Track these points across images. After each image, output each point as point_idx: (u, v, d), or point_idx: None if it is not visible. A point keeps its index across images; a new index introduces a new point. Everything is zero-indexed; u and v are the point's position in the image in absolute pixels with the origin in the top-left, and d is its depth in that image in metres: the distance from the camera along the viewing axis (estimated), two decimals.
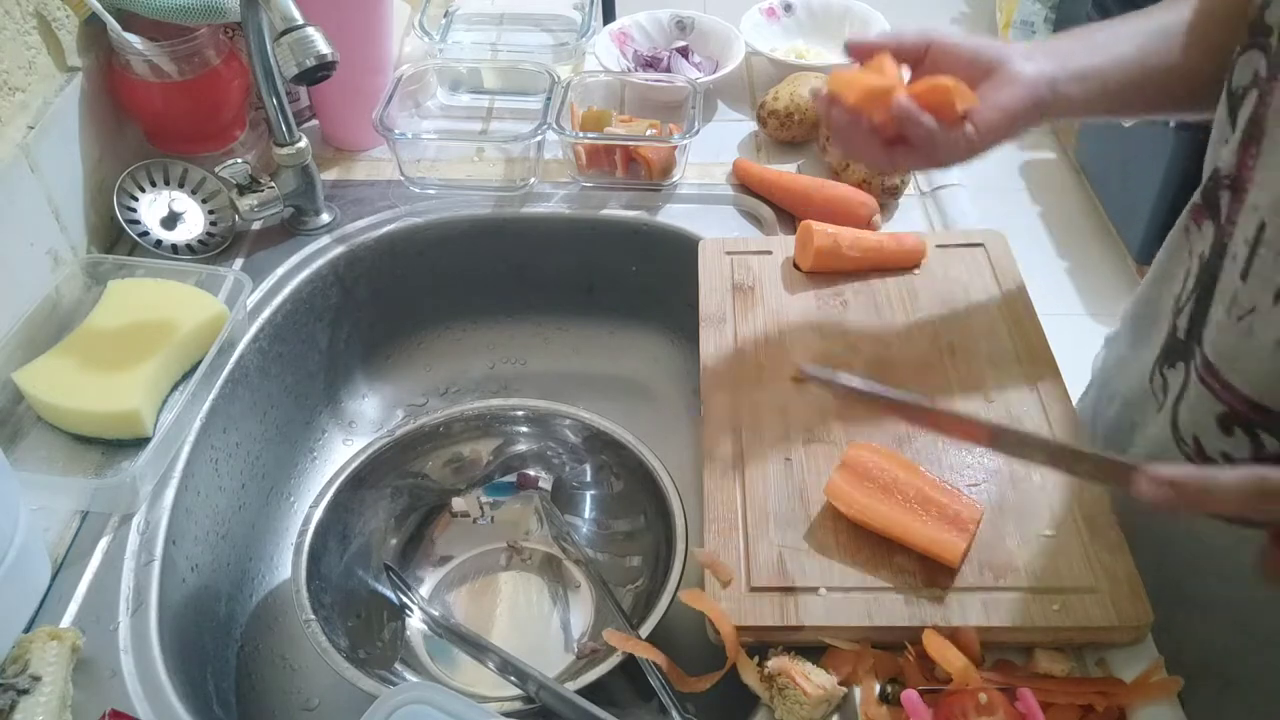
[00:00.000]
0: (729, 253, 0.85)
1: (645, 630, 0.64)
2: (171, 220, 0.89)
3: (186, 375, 0.81)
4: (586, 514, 0.82)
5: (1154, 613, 0.60)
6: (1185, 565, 0.68)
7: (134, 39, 0.86)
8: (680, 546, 0.68)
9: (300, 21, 0.73)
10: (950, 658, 0.58)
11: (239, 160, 0.89)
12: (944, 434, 0.66)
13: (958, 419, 0.59)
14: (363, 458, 0.76)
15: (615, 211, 0.97)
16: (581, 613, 0.77)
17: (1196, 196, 0.65)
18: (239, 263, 0.91)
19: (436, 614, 0.74)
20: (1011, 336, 0.77)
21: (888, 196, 0.93)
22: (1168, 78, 0.66)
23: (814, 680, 0.57)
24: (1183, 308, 0.65)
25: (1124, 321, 0.79)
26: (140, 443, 0.74)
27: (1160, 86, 0.66)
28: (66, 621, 0.65)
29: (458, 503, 0.82)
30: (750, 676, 0.59)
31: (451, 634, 0.72)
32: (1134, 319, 0.76)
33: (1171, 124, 1.95)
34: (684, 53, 1.10)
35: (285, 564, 0.74)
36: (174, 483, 0.73)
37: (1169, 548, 0.67)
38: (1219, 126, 0.62)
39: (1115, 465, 0.52)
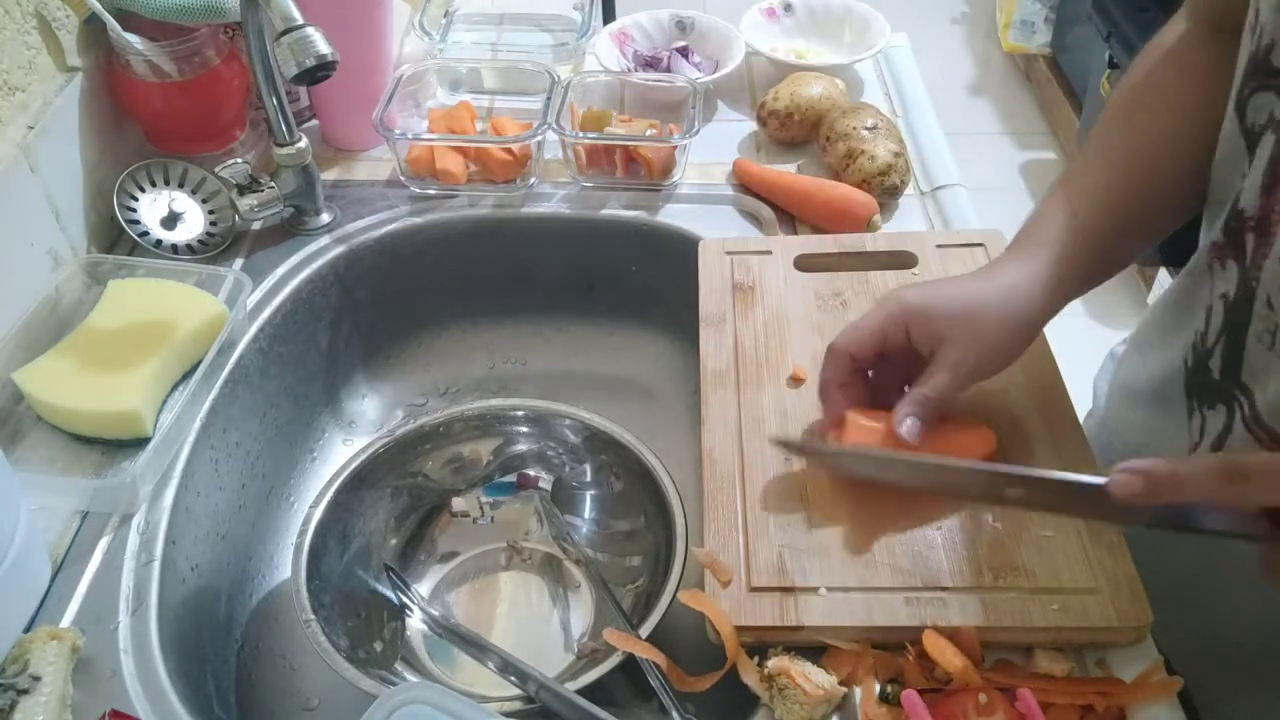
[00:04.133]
0: (729, 253, 0.85)
1: (645, 630, 0.64)
2: (171, 220, 0.89)
3: (186, 375, 0.81)
4: (586, 514, 0.82)
5: (1154, 614, 0.60)
6: (1186, 568, 0.67)
7: (134, 39, 0.86)
8: (680, 546, 0.68)
9: (300, 21, 0.73)
10: (950, 658, 0.58)
11: (239, 160, 0.89)
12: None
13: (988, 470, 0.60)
14: (363, 458, 0.76)
15: (615, 211, 0.97)
16: (581, 613, 0.77)
17: (1218, 234, 0.62)
18: (239, 263, 0.91)
19: (436, 614, 0.74)
20: None
21: (887, 196, 0.93)
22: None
23: (814, 680, 0.57)
24: (1212, 349, 0.63)
25: (1138, 349, 0.77)
26: (140, 443, 0.74)
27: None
28: (66, 621, 0.65)
29: (458, 503, 0.82)
30: (750, 676, 0.59)
31: (451, 634, 0.72)
32: (1151, 372, 0.74)
33: None
34: (684, 53, 1.10)
35: (285, 564, 0.74)
36: (174, 483, 0.74)
37: (1170, 550, 0.67)
38: (1233, 160, 0.60)
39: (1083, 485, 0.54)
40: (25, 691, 0.58)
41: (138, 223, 0.89)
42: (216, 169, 0.88)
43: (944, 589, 0.61)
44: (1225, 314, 0.61)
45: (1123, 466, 0.51)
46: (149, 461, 0.72)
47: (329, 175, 1.00)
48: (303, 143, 0.90)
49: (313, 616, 0.65)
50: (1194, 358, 0.66)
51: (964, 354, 0.64)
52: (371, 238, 0.95)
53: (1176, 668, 0.60)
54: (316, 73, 0.73)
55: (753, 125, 1.05)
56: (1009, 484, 0.58)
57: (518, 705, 0.63)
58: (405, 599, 0.75)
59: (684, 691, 0.61)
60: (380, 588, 0.76)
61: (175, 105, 0.90)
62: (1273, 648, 0.66)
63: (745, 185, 0.98)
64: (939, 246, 0.84)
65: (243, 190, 0.89)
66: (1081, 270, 0.65)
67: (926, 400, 0.63)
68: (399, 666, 0.72)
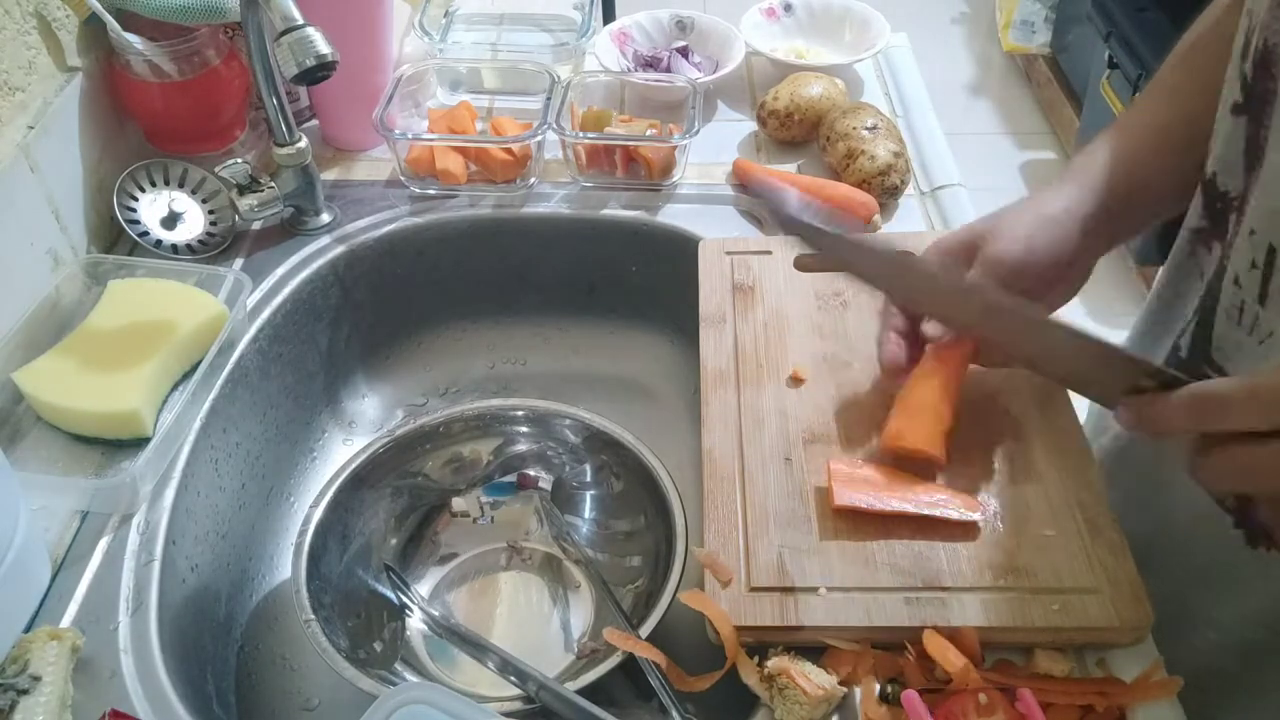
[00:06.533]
0: (729, 253, 0.85)
1: (645, 630, 0.64)
2: (171, 220, 0.89)
3: (186, 375, 0.81)
4: (586, 514, 0.82)
5: (1157, 618, 0.59)
6: (1190, 571, 0.67)
7: (134, 39, 0.86)
8: (680, 546, 0.68)
9: (300, 21, 0.73)
10: (950, 658, 0.58)
11: (239, 160, 0.89)
12: (926, 302, 0.66)
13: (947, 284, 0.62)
14: (363, 458, 0.76)
15: (615, 211, 0.97)
16: (581, 613, 0.77)
17: (1202, 220, 0.63)
18: (239, 263, 0.91)
19: (436, 614, 0.74)
20: None
21: (887, 196, 0.93)
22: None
23: (814, 680, 0.57)
24: (1186, 328, 0.64)
25: (1134, 341, 0.78)
26: (140, 443, 0.74)
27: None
28: (66, 621, 0.65)
29: (458, 503, 0.82)
30: (750, 676, 0.59)
31: (451, 634, 0.72)
32: (1141, 346, 0.75)
33: None
34: (684, 53, 1.10)
35: (285, 564, 0.74)
36: (174, 483, 0.73)
37: (1175, 553, 0.67)
38: (1228, 143, 0.60)
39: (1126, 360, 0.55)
40: (25, 691, 0.58)
41: (138, 223, 0.89)
42: (216, 169, 0.88)
43: (944, 589, 0.61)
44: (1204, 295, 0.62)
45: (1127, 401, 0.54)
46: (149, 461, 0.72)
47: (329, 175, 1.00)
48: (303, 143, 0.90)
49: (313, 616, 0.65)
50: (1182, 339, 0.66)
51: (1009, 249, 0.63)
52: (371, 238, 0.95)
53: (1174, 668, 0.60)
54: (316, 73, 0.73)
55: (753, 125, 1.05)
56: (981, 302, 0.60)
57: (518, 705, 0.63)
58: (405, 599, 0.75)
59: (684, 691, 0.61)
60: (380, 588, 0.76)
61: (175, 105, 0.90)
62: (1271, 645, 0.66)
63: (745, 185, 0.98)
64: None
65: (243, 190, 0.89)
66: (1120, 197, 0.65)
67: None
68: (399, 666, 0.72)
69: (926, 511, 0.64)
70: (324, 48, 0.72)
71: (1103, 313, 2.19)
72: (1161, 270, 0.72)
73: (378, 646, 0.72)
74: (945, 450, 0.66)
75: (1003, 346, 0.65)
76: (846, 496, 0.64)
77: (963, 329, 0.66)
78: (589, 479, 0.81)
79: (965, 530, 0.64)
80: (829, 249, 0.68)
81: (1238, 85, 0.57)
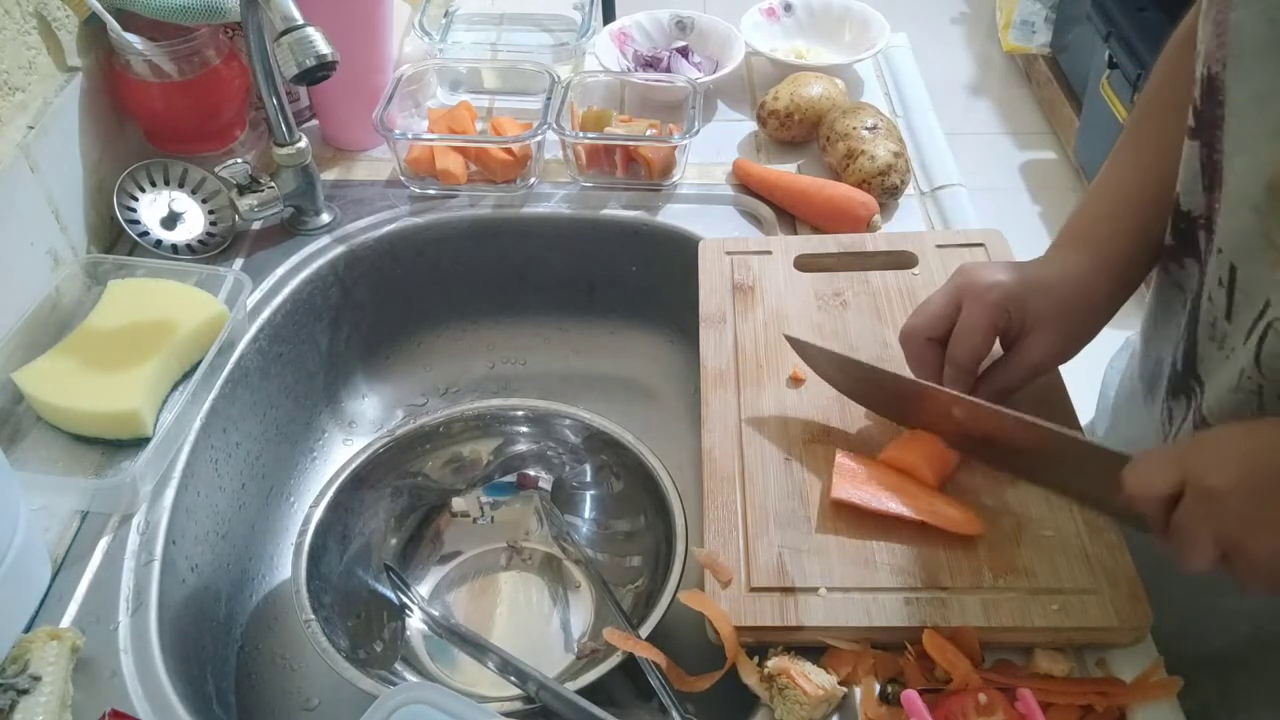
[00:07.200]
0: (729, 253, 0.85)
1: (645, 630, 0.64)
2: (171, 220, 0.89)
3: (186, 375, 0.81)
4: (586, 514, 0.82)
5: (1164, 616, 0.59)
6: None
7: (134, 39, 0.86)
8: (680, 546, 0.68)
9: (300, 21, 0.73)
10: (950, 658, 0.58)
11: (239, 160, 0.89)
12: (924, 407, 0.68)
13: (941, 392, 0.65)
14: (363, 458, 0.76)
15: (615, 211, 0.97)
16: (581, 613, 0.77)
17: (1170, 238, 0.65)
18: (239, 263, 0.91)
19: (436, 614, 0.74)
20: None
21: (887, 196, 0.93)
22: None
23: (814, 680, 0.57)
24: (1179, 343, 0.66)
25: (1133, 367, 0.79)
26: (140, 443, 0.74)
27: None
28: (66, 621, 0.65)
29: (458, 503, 0.82)
30: (750, 676, 0.59)
31: (451, 634, 0.72)
32: (1144, 368, 0.76)
33: None
34: (684, 53, 1.10)
35: (285, 564, 0.74)
36: (174, 483, 0.74)
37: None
38: (1186, 165, 0.61)
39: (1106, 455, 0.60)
40: (25, 691, 0.58)
41: (138, 223, 0.89)
42: (216, 169, 0.88)
43: (944, 589, 0.61)
44: (1190, 308, 0.64)
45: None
46: (149, 461, 0.72)
47: (329, 175, 1.00)
48: (303, 143, 0.90)
49: (313, 616, 0.65)
50: (1177, 353, 0.68)
51: (1049, 350, 0.66)
52: (371, 238, 0.95)
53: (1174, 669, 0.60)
54: (316, 73, 0.73)
55: (753, 125, 1.05)
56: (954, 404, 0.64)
57: (518, 705, 0.63)
58: (405, 599, 0.75)
59: (684, 691, 0.61)
60: (380, 588, 0.76)
61: (175, 105, 0.90)
62: (1267, 646, 0.66)
63: (745, 185, 0.98)
64: (939, 246, 0.84)
65: (243, 190, 0.89)
66: (1123, 257, 0.67)
67: (1008, 394, 0.67)
68: (399, 666, 0.72)
69: (925, 519, 0.64)
70: (324, 48, 0.72)
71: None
72: (1152, 285, 0.73)
73: (378, 646, 0.72)
74: (941, 478, 0.67)
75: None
76: (844, 491, 0.65)
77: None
78: (589, 479, 0.81)
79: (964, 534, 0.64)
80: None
81: (1190, 110, 0.59)
